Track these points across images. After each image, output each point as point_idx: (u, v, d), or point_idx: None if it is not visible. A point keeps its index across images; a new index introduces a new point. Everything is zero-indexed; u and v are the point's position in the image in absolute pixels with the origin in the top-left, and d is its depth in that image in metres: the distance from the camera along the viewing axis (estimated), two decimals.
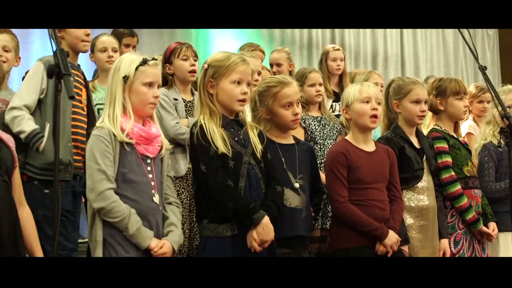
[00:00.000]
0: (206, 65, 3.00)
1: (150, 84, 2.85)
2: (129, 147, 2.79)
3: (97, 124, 2.82)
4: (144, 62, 2.86)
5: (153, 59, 2.97)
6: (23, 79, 3.85)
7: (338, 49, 5.49)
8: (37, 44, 5.71)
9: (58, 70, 2.07)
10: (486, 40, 9.47)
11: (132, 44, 5.01)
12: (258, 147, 3.00)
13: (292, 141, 3.31)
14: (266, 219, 2.84)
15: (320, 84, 4.40)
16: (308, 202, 3.23)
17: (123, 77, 2.81)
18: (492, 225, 3.88)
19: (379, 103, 3.33)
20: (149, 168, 2.84)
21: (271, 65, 5.27)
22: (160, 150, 2.92)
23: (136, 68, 2.83)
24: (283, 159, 3.19)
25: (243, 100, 2.97)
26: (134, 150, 2.81)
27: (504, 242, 3.95)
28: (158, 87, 2.91)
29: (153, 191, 2.83)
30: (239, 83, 2.95)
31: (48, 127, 3.34)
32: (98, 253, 2.71)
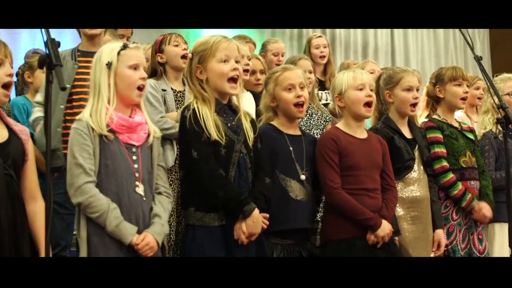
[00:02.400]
0: (190, 54, 2.98)
1: (135, 67, 2.79)
2: (110, 137, 2.72)
3: (77, 117, 2.75)
4: (125, 46, 2.81)
5: (134, 42, 2.93)
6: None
7: (320, 36, 5.46)
8: (25, 35, 5.66)
9: (49, 60, 2.03)
10: (476, 31, 9.47)
11: (126, 35, 4.94)
12: (251, 135, 2.94)
13: (299, 132, 3.30)
14: (256, 212, 2.80)
15: (310, 72, 4.36)
16: (312, 194, 3.21)
17: (106, 64, 2.75)
18: (481, 204, 3.78)
19: (372, 90, 3.31)
20: (134, 157, 2.77)
21: (275, 55, 5.19)
22: (148, 137, 2.84)
23: (118, 53, 2.78)
24: (291, 149, 3.18)
25: (235, 79, 2.92)
26: (116, 139, 2.74)
27: (500, 233, 3.93)
28: (144, 70, 2.85)
29: (136, 182, 2.75)
30: (226, 60, 2.90)
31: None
32: (83, 249, 2.64)
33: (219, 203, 2.78)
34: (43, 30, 2.14)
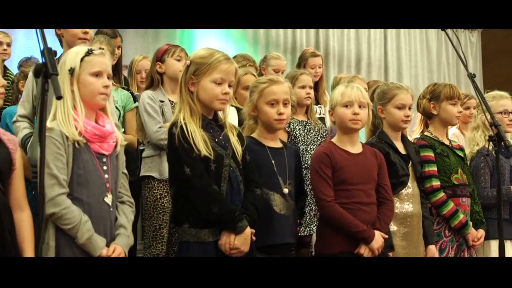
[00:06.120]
0: (188, 61, 2.90)
1: (98, 74, 2.75)
2: (83, 145, 2.68)
3: (48, 125, 2.65)
4: (90, 52, 2.76)
5: (100, 48, 2.88)
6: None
7: (317, 55, 5.42)
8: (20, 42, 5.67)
9: (45, 69, 2.01)
10: (469, 47, 9.54)
11: (116, 44, 4.90)
12: (239, 148, 2.91)
13: (280, 145, 3.25)
14: (248, 230, 2.78)
15: (310, 87, 4.37)
16: (294, 208, 3.19)
17: (69, 70, 2.70)
18: (480, 232, 3.84)
19: (360, 106, 3.26)
20: (105, 167, 2.75)
21: (276, 71, 5.16)
22: (115, 146, 2.82)
23: (82, 59, 2.73)
24: (273, 162, 3.15)
25: (224, 100, 2.87)
26: (88, 148, 2.71)
27: (497, 250, 3.91)
28: (108, 78, 2.80)
29: (106, 192, 2.74)
30: (220, 83, 2.84)
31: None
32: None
33: (213, 218, 2.75)
34: (39, 39, 2.13)
